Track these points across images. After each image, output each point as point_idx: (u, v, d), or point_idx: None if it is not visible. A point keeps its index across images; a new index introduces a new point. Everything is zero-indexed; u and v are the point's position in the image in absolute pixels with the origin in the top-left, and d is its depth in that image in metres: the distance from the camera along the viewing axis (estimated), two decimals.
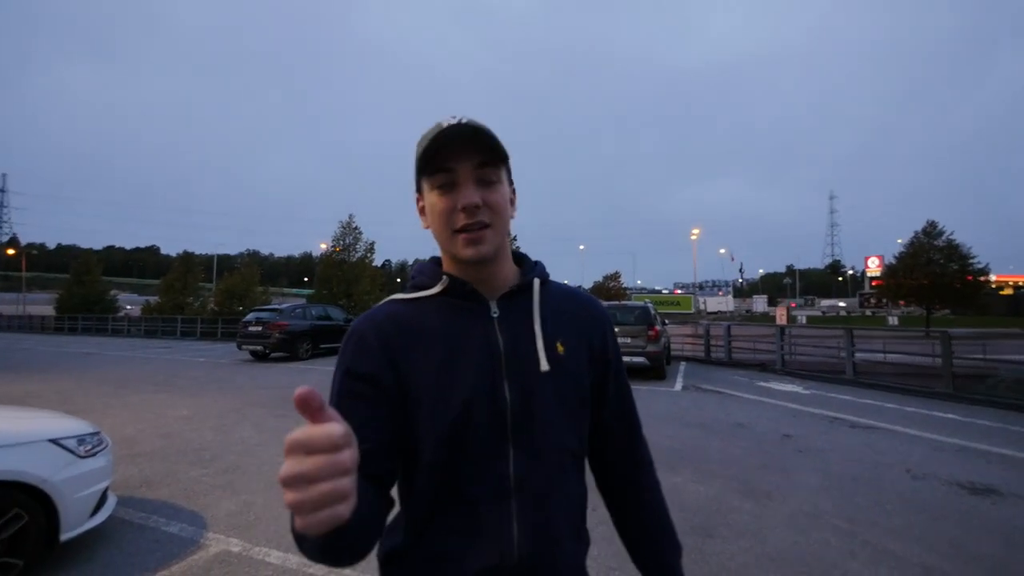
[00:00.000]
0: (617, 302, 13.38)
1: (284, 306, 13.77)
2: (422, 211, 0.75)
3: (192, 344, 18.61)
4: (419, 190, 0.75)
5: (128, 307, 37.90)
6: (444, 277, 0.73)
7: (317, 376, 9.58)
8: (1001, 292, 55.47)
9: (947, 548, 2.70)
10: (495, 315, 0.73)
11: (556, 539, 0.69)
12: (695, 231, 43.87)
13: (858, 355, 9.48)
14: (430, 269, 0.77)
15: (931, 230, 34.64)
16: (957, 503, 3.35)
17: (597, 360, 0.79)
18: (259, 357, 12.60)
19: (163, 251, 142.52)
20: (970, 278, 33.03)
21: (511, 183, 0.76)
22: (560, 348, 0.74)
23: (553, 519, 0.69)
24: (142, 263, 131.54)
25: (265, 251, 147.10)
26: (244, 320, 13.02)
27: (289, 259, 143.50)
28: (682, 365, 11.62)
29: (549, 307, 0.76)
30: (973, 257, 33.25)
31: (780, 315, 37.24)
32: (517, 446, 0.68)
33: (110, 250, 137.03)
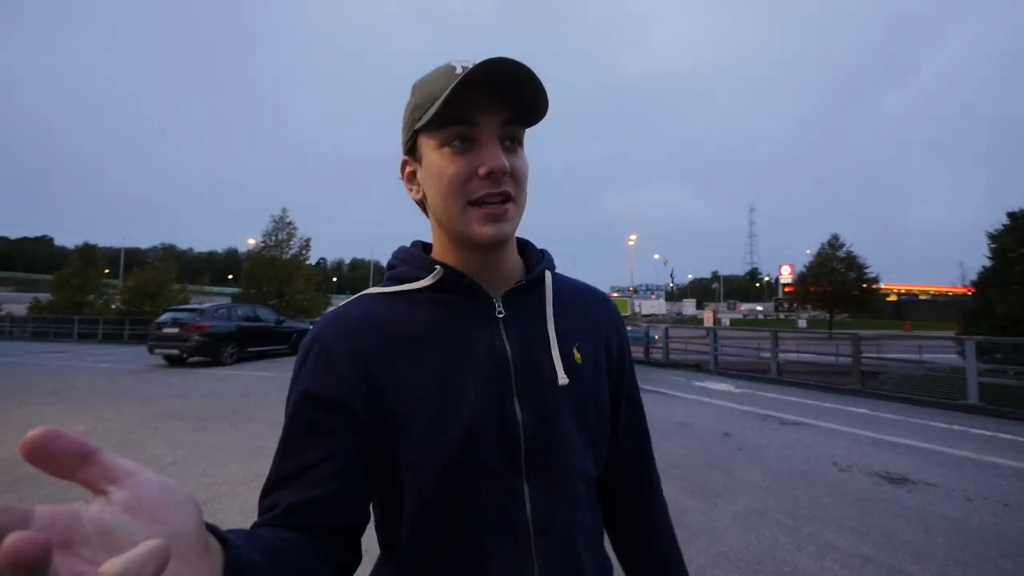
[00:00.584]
0: None
1: (206, 306, 12.59)
2: (409, 177, 0.60)
3: (93, 348, 16.51)
4: (411, 151, 0.58)
5: (10, 306, 33.10)
6: (437, 267, 0.58)
7: (244, 383, 8.80)
8: (888, 298, 63.12)
9: (879, 537, 2.90)
10: (500, 315, 0.59)
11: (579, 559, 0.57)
12: (632, 237, 45.88)
13: (780, 355, 10.24)
14: (416, 256, 0.61)
15: (834, 242, 38.74)
16: (880, 493, 3.63)
17: (614, 367, 0.66)
18: (175, 362, 11.41)
19: (57, 242, 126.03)
20: (865, 286, 37.34)
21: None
22: (577, 356, 0.61)
23: (579, 561, 0.57)
24: (30, 255, 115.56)
25: (183, 245, 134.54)
26: (158, 321, 11.71)
27: (211, 255, 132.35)
28: None
29: (561, 305, 0.63)
30: (868, 267, 37.62)
31: (708, 318, 39.84)
32: (533, 480, 0.55)
33: None
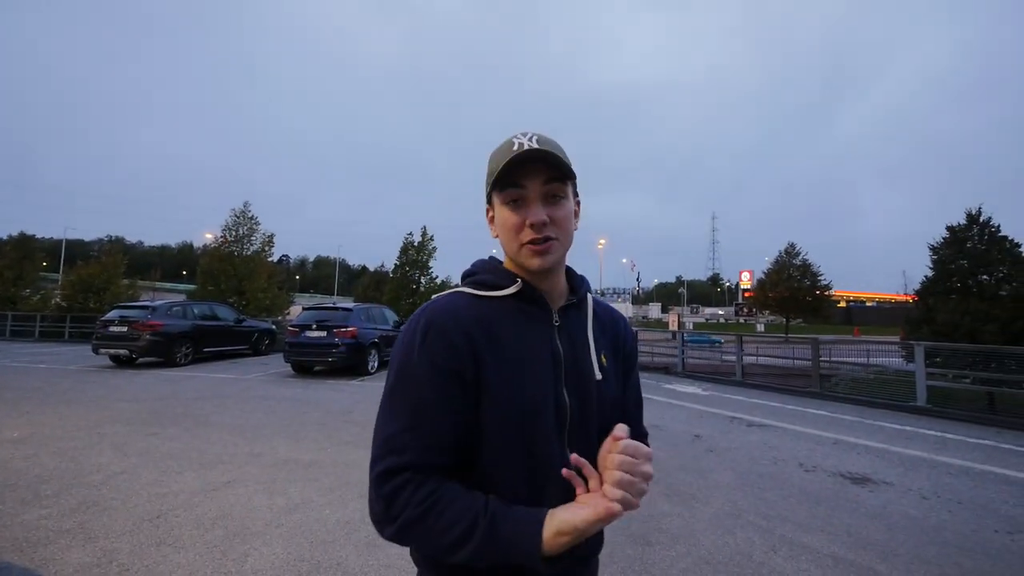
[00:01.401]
0: None
1: (158, 303, 11.84)
2: (491, 221, 0.81)
3: (28, 347, 15.27)
4: (489, 202, 0.80)
5: None
6: (519, 281, 0.78)
7: (200, 385, 8.31)
8: (838, 304, 66.69)
9: (846, 537, 2.99)
10: (557, 324, 0.79)
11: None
12: (602, 241, 46.57)
13: (744, 359, 10.59)
14: (499, 270, 0.81)
15: (791, 251, 40.65)
16: (844, 493, 3.76)
17: (624, 365, 0.90)
18: (123, 363, 10.69)
19: None
20: (818, 292, 39.30)
21: (576, 195, 0.83)
22: (603, 360, 0.82)
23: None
24: None
25: (132, 238, 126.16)
26: (104, 318, 10.91)
27: (164, 249, 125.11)
28: None
29: (596, 321, 0.85)
30: (821, 275, 39.63)
31: (672, 321, 40.88)
32: (573, 447, 0.74)
33: None
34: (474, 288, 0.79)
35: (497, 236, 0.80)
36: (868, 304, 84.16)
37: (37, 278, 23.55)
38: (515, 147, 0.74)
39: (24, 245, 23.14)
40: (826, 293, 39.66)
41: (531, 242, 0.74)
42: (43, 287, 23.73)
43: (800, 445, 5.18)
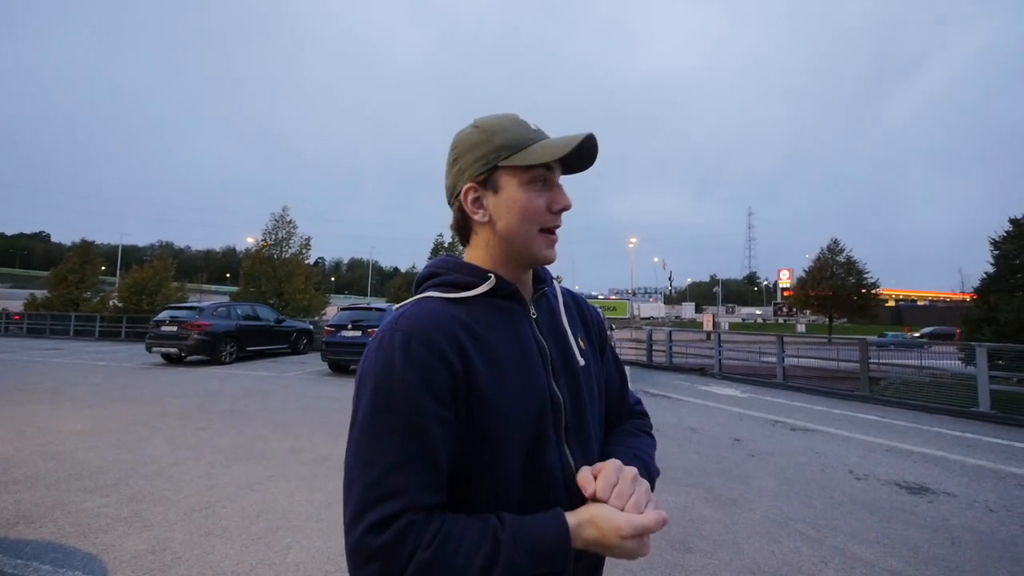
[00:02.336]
0: None
1: (205, 304, 12.44)
2: (476, 202, 0.72)
3: (89, 345, 16.35)
4: (482, 181, 0.71)
5: (6, 302, 32.85)
6: (491, 276, 0.71)
7: (244, 382, 8.67)
8: (886, 304, 63.20)
9: (904, 550, 2.80)
10: (534, 316, 0.75)
11: None
12: (632, 239, 45.77)
13: (786, 360, 10.16)
14: (468, 267, 0.73)
15: (834, 247, 38.72)
16: (900, 503, 3.54)
17: (599, 341, 0.86)
18: (173, 361, 11.27)
19: (54, 239, 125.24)
20: (864, 291, 37.30)
21: None
22: (581, 344, 0.79)
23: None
24: (27, 251, 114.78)
25: (180, 243, 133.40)
26: (156, 319, 11.56)
27: (209, 253, 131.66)
28: (627, 369, 11.87)
29: (565, 308, 0.82)
30: (867, 272, 37.61)
31: (707, 321, 39.76)
32: (570, 444, 0.70)
33: None
34: (443, 291, 0.70)
35: (487, 221, 0.71)
36: (920, 303, 79.33)
37: (97, 281, 25.23)
38: (532, 125, 0.72)
39: (85, 251, 24.81)
40: (873, 291, 37.58)
41: (550, 229, 0.70)
42: (102, 290, 25.40)
43: (850, 451, 4.91)
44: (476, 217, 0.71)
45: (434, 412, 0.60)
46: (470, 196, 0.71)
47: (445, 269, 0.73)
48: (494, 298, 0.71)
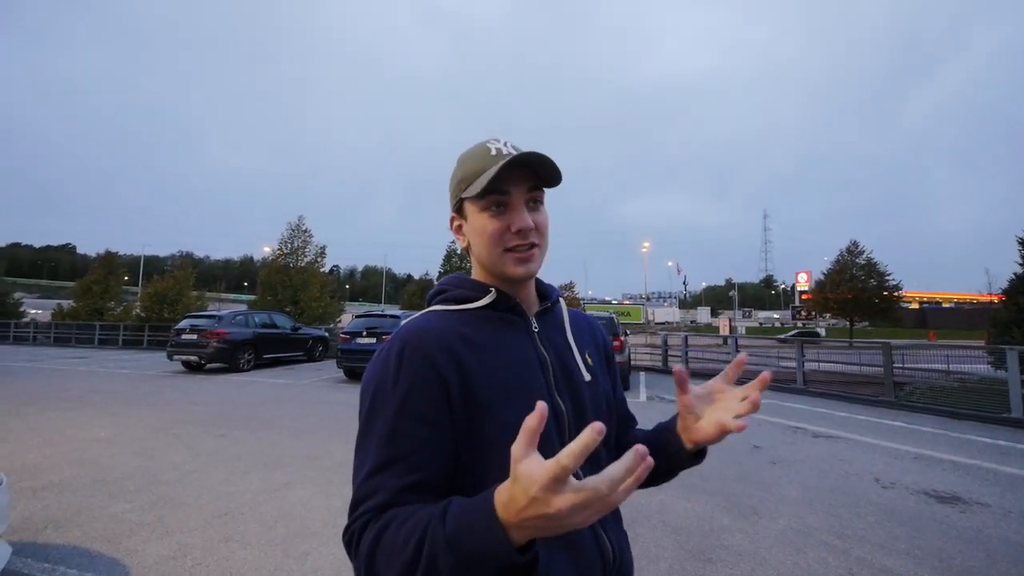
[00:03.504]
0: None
1: (224, 312, 12.68)
2: (457, 230, 0.78)
3: (113, 353, 16.76)
4: (459, 209, 0.76)
5: (35, 311, 33.87)
6: (492, 290, 0.74)
7: (261, 390, 8.79)
8: (910, 306, 61.55)
9: (936, 562, 2.70)
10: (536, 330, 0.77)
11: (623, 534, 0.77)
12: (646, 244, 45.43)
13: (806, 365, 9.94)
14: (471, 282, 0.77)
15: (854, 249, 37.89)
16: (929, 512, 3.42)
17: (606, 360, 0.87)
18: (193, 368, 11.49)
19: (80, 250, 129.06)
20: (886, 293, 36.37)
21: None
22: (589, 360, 0.80)
23: (617, 517, 0.77)
24: (54, 263, 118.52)
25: (200, 253, 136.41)
26: (177, 327, 11.81)
27: (227, 263, 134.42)
28: (642, 375, 11.76)
29: (572, 324, 0.84)
30: (889, 274, 36.70)
31: (723, 326, 39.19)
32: None
33: (15, 248, 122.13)
34: (448, 305, 0.76)
35: (466, 246, 0.77)
36: (945, 305, 77.08)
37: (120, 292, 25.89)
38: (493, 152, 0.71)
39: (109, 262, 25.52)
40: (895, 294, 36.62)
41: (515, 248, 0.71)
42: (125, 299, 26.06)
43: (875, 459, 4.77)
44: (460, 243, 0.79)
45: (423, 417, 0.62)
46: (454, 225, 0.79)
47: (452, 286, 0.78)
48: (496, 311, 0.74)
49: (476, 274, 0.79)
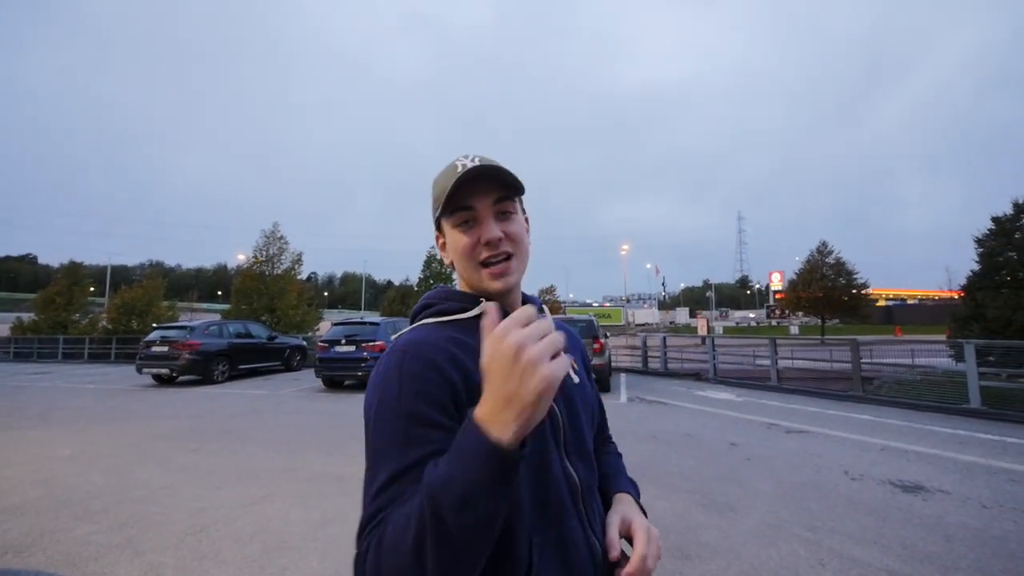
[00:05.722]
0: (560, 316, 13.52)
1: (196, 323, 12.32)
2: (443, 247, 0.80)
3: (78, 368, 16.08)
4: (439, 228, 0.79)
5: None
6: (481, 300, 0.76)
7: (236, 401, 8.58)
8: (877, 304, 63.85)
9: (900, 550, 2.82)
10: None
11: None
12: (625, 247, 46.03)
13: (779, 362, 10.22)
14: (459, 293, 0.79)
15: (823, 249, 39.17)
16: (895, 502, 3.56)
17: (585, 369, 0.91)
18: (164, 381, 11.14)
19: (42, 260, 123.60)
20: (854, 291, 37.70)
21: (524, 212, 0.82)
22: (575, 365, 0.82)
23: (599, 508, 0.78)
24: (13, 274, 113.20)
25: (171, 262, 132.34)
26: (147, 339, 11.43)
27: (199, 271, 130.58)
28: (623, 377, 11.90)
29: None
30: (856, 273, 38.06)
31: (701, 326, 39.92)
32: (571, 458, 0.74)
33: None
34: (437, 318, 0.76)
35: (451, 263, 0.79)
36: (910, 302, 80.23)
37: (86, 303, 24.85)
38: (459, 169, 0.73)
39: (73, 272, 24.47)
40: (863, 292, 38.01)
41: (489, 262, 0.73)
42: (91, 311, 25.01)
43: (844, 452, 4.94)
44: (446, 260, 0.81)
45: (433, 421, 0.61)
46: (439, 243, 0.81)
47: (439, 299, 0.79)
48: None
49: (463, 287, 0.80)
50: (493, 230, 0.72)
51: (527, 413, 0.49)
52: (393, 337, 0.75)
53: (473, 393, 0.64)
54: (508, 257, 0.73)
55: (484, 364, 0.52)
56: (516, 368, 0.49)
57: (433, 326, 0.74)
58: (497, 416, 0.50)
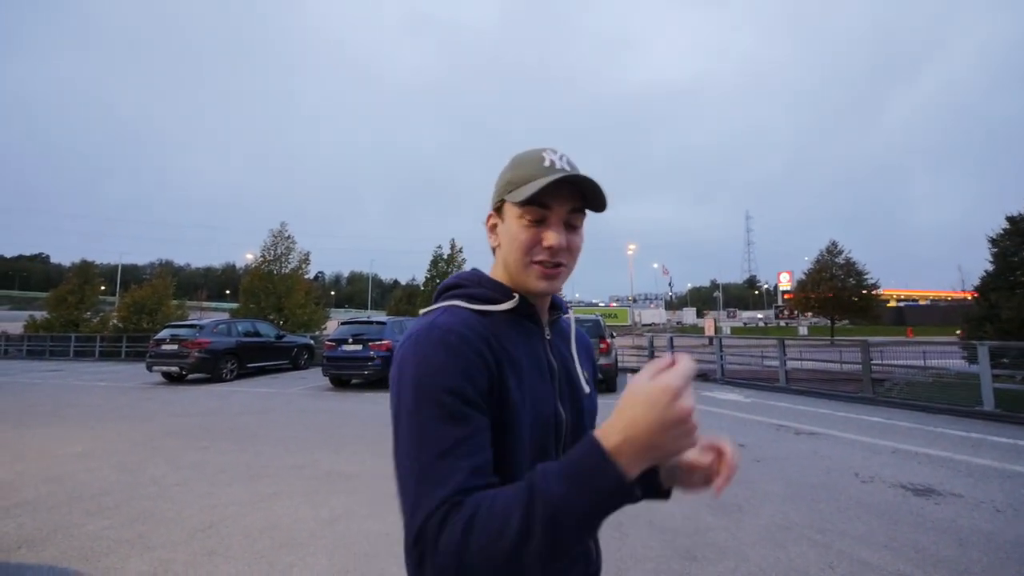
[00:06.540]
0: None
1: (205, 321, 12.45)
2: (492, 228, 0.79)
3: (89, 366, 16.31)
4: (498, 209, 0.77)
5: (5, 324, 32.82)
6: (516, 296, 0.75)
7: (245, 400, 8.65)
8: (888, 304, 63.12)
9: (912, 553, 2.78)
10: (548, 338, 0.79)
11: (596, 536, 0.79)
12: (631, 247, 45.85)
13: (788, 363, 10.13)
14: (493, 283, 0.77)
15: (833, 249, 38.75)
16: (906, 505, 3.52)
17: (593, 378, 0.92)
18: (174, 380, 11.25)
19: (54, 260, 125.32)
20: (865, 292, 37.26)
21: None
22: (585, 374, 0.84)
23: None
24: (26, 273, 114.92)
25: (180, 261, 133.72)
26: (156, 337, 11.57)
27: (208, 270, 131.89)
28: (629, 376, 11.84)
29: (577, 338, 0.88)
30: (867, 273, 37.62)
31: (708, 326, 39.70)
32: None
33: None
34: (467, 302, 0.74)
35: (497, 245, 0.77)
36: (922, 303, 79.21)
37: (97, 302, 25.20)
38: (547, 163, 0.71)
39: (85, 271, 24.81)
40: (873, 292, 37.54)
41: (542, 263, 0.71)
42: (102, 310, 25.37)
43: (854, 454, 4.89)
44: (491, 242, 0.79)
45: (474, 400, 0.61)
46: (490, 222, 0.79)
47: (471, 282, 0.77)
48: (515, 316, 0.75)
49: (497, 275, 0.78)
50: (560, 238, 0.70)
51: (659, 461, 0.53)
52: (422, 312, 0.74)
53: (504, 386, 0.66)
54: (560, 265, 0.72)
55: (639, 400, 0.52)
56: (678, 429, 0.51)
57: (467, 311, 0.72)
58: (634, 455, 0.51)
